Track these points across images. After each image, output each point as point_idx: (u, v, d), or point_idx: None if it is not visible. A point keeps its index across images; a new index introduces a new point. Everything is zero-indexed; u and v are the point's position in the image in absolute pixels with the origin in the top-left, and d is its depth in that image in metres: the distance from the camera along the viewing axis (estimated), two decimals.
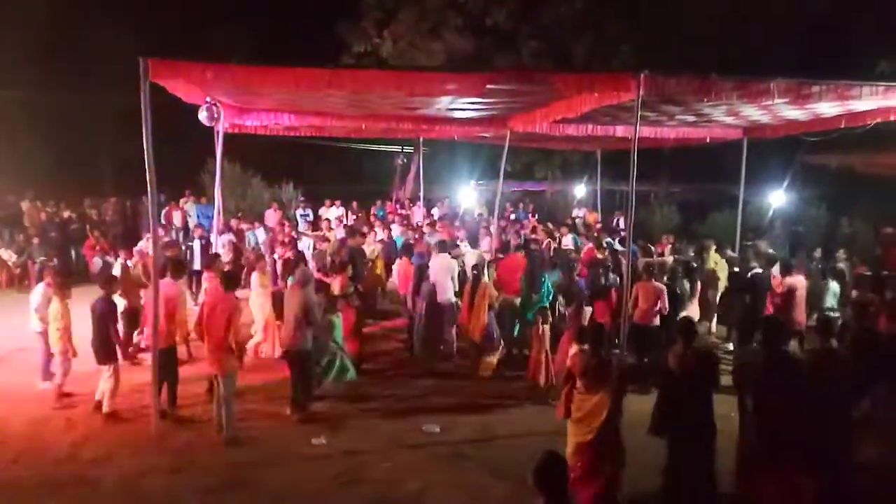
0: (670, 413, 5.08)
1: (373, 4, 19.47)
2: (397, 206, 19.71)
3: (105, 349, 6.96)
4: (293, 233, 13.24)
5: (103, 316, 6.97)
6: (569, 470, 3.22)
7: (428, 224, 14.40)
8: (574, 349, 5.56)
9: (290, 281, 8.32)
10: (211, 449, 6.29)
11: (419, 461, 6.22)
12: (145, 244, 10.66)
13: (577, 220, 17.52)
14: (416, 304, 9.23)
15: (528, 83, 8.00)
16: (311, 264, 9.92)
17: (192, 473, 5.88)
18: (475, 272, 9.09)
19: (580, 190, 22.82)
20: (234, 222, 14.23)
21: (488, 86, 7.49)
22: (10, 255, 13.80)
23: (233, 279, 6.86)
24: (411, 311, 9.48)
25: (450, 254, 9.55)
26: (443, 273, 9.04)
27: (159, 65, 6.44)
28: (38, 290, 7.81)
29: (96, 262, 13.24)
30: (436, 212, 18.80)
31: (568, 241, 13.21)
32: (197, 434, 6.57)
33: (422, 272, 9.30)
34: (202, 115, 9.43)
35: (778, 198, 17.26)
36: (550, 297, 8.99)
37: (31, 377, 8.05)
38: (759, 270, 9.63)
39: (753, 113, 10.08)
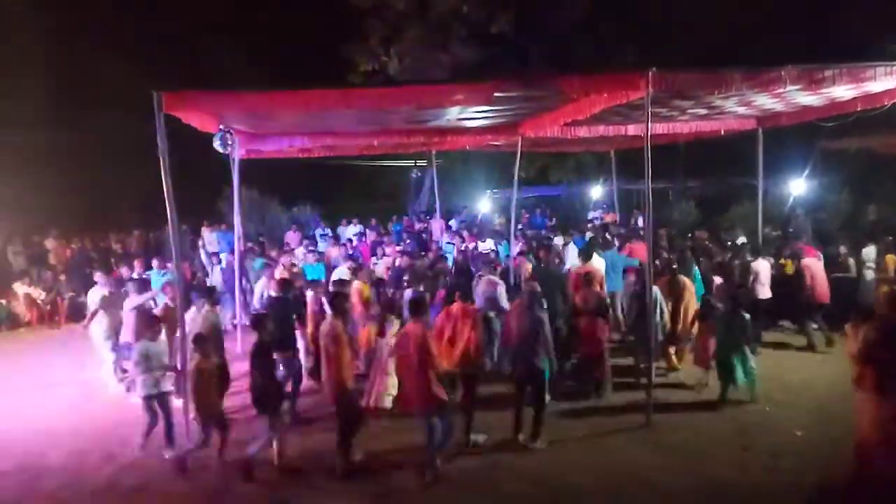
0: None
1: (378, 23, 19.65)
2: (414, 220, 19.78)
3: (264, 397, 6.30)
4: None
5: (260, 361, 6.27)
6: None
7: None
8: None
9: None
10: (247, 476, 6.29)
11: (454, 473, 6.15)
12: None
13: (594, 222, 17.44)
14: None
15: (535, 88, 8.00)
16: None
17: (229, 501, 5.90)
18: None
19: (596, 191, 22.70)
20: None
21: (496, 93, 7.52)
22: (38, 293, 14.09)
23: (420, 305, 6.33)
24: None
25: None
26: None
27: (172, 97, 6.58)
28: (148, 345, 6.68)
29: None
30: (454, 223, 18.84)
31: (489, 246, 13.55)
32: (232, 461, 6.53)
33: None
34: (217, 144, 9.56)
35: (798, 186, 17.02)
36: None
37: (67, 410, 8.22)
38: None
39: (766, 102, 9.97)
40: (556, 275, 9.15)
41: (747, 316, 7.63)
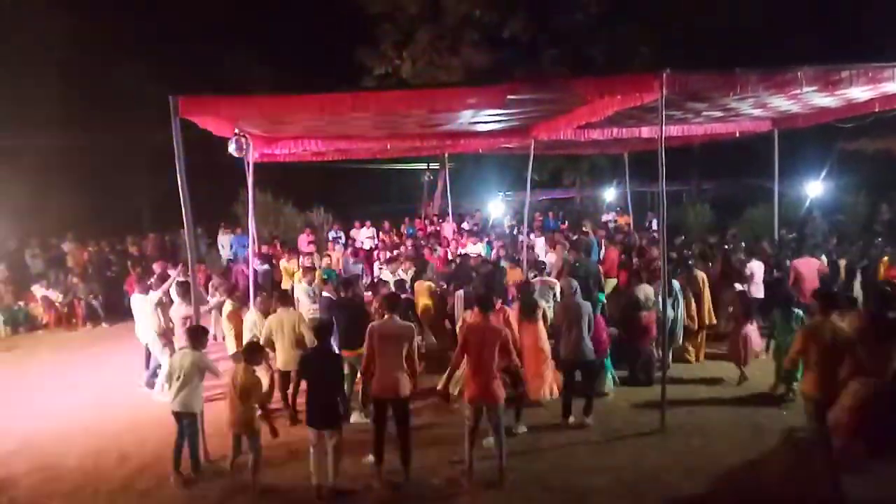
0: None
1: (390, 27, 19.73)
2: (426, 223, 19.80)
3: (326, 409, 5.82)
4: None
5: (326, 369, 5.88)
6: None
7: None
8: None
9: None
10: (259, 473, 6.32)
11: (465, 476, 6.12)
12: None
13: (608, 225, 17.38)
14: None
15: (548, 91, 8.00)
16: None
17: (242, 501, 5.93)
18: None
19: (610, 194, 22.61)
20: (265, 248, 14.43)
21: (509, 96, 7.51)
22: (56, 296, 14.26)
23: (489, 301, 6.26)
24: None
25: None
26: None
27: (188, 101, 6.64)
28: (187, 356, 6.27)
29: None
30: (466, 226, 18.83)
31: (479, 249, 13.63)
32: (245, 463, 6.56)
33: None
34: (231, 148, 9.62)
35: (814, 188, 16.84)
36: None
37: (83, 412, 8.31)
38: None
39: (782, 103, 9.90)
40: (589, 266, 9.98)
41: (801, 313, 7.70)
